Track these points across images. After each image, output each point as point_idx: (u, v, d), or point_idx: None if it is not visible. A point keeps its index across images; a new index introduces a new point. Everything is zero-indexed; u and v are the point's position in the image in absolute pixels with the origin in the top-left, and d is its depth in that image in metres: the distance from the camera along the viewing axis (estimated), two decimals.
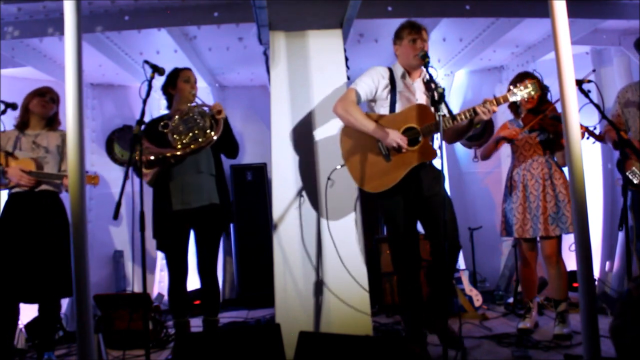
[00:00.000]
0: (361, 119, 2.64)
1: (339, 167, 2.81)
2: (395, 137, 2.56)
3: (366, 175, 2.65)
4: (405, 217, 2.69)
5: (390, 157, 2.62)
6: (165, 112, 3.20)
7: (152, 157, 2.67)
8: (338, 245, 2.84)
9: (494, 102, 2.51)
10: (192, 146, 2.81)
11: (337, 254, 2.83)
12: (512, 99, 2.54)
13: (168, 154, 2.78)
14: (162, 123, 2.86)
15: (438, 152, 2.65)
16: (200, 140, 2.82)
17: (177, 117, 2.88)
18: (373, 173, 2.64)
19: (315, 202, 2.91)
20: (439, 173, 2.76)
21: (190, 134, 2.83)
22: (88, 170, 3.44)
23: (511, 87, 2.57)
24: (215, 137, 2.83)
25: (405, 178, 2.60)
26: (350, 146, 2.71)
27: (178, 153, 2.80)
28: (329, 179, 2.87)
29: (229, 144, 3.08)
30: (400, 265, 2.74)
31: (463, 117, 2.54)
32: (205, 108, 2.89)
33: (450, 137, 2.85)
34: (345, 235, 2.88)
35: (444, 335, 2.60)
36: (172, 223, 2.95)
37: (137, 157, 2.73)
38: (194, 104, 2.93)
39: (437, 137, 2.66)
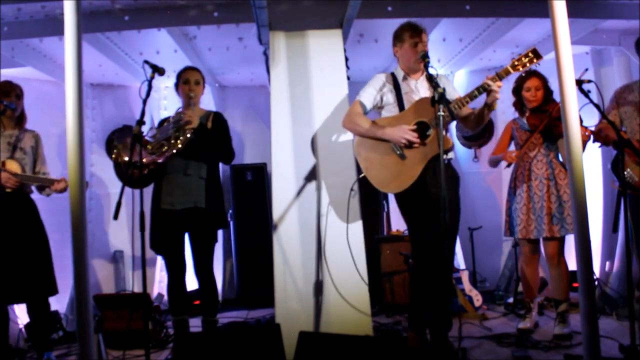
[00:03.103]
0: (368, 127, 2.67)
1: (359, 177, 2.83)
2: (403, 134, 2.55)
3: (386, 179, 2.67)
4: (426, 214, 2.66)
5: (405, 155, 2.62)
6: (166, 112, 3.22)
7: (112, 154, 2.69)
8: (340, 246, 2.84)
9: (497, 78, 2.47)
10: (161, 154, 2.84)
11: (351, 254, 2.84)
12: (513, 70, 2.49)
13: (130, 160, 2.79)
14: (149, 129, 2.90)
15: (451, 140, 2.64)
16: (164, 150, 2.86)
17: (164, 124, 2.93)
18: (391, 174, 2.65)
19: (315, 203, 2.91)
20: (455, 174, 2.77)
21: (158, 144, 2.89)
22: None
23: (513, 59, 2.52)
24: (178, 149, 2.85)
25: (422, 174, 2.59)
26: (366, 154, 2.73)
27: (125, 158, 2.80)
28: (352, 189, 2.88)
29: (222, 149, 3.10)
30: (421, 263, 2.72)
31: (469, 99, 2.52)
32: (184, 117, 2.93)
33: (473, 124, 2.77)
34: (347, 236, 2.88)
35: (442, 348, 2.60)
36: (161, 222, 2.99)
37: (113, 157, 2.76)
38: (179, 111, 2.98)
39: (452, 126, 2.64)
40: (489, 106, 2.57)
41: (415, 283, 2.79)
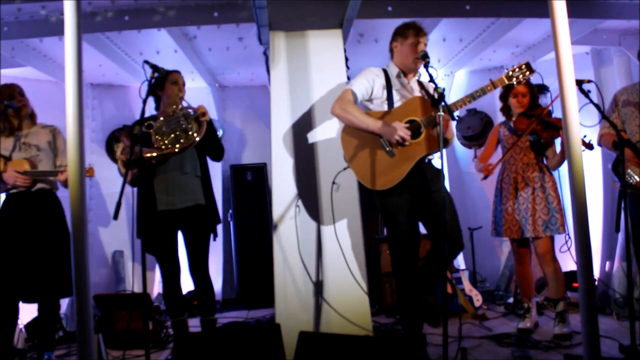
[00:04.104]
0: (360, 117, 2.62)
1: (342, 169, 2.80)
2: (398, 130, 2.52)
3: (372, 174, 2.61)
4: (408, 216, 2.67)
5: (394, 152, 2.59)
6: (154, 113, 3.20)
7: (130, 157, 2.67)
8: (340, 246, 2.84)
9: (477, 94, 2.54)
10: (176, 147, 2.83)
11: (343, 254, 2.83)
12: (508, 81, 2.56)
13: (148, 155, 2.79)
14: (146, 124, 2.86)
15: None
16: (182, 141, 2.85)
17: (161, 118, 2.91)
18: (379, 170, 2.60)
19: (315, 203, 2.91)
20: (439, 171, 2.76)
21: (173, 136, 2.86)
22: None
23: (507, 70, 2.59)
24: (197, 139, 2.85)
25: (408, 174, 2.58)
26: (353, 146, 2.66)
27: (154, 154, 2.81)
28: (334, 183, 2.85)
29: (213, 146, 3.10)
30: (400, 266, 2.72)
31: (462, 104, 2.55)
32: (190, 110, 2.92)
33: None
34: (346, 235, 2.88)
35: (421, 309, 2.62)
36: (158, 224, 2.96)
37: (116, 157, 2.75)
38: (180, 106, 2.95)
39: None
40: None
41: (400, 284, 2.76)
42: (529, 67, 2.55)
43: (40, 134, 3.12)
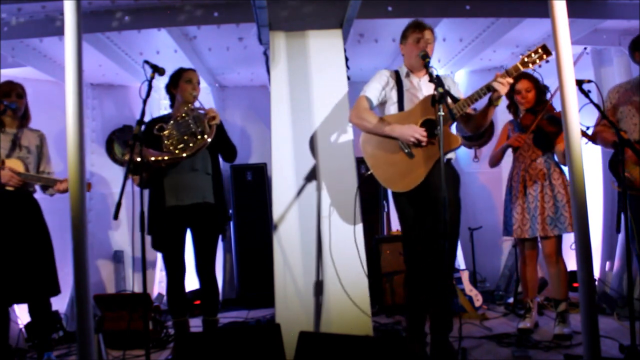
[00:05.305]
0: (375, 123, 2.66)
1: (366, 174, 2.81)
2: (412, 132, 2.54)
3: (393, 177, 2.65)
4: (423, 214, 2.67)
5: (413, 153, 2.60)
6: (167, 112, 3.21)
7: (138, 159, 2.68)
8: (340, 245, 2.84)
9: (506, 75, 2.45)
10: (186, 151, 2.85)
11: (358, 255, 2.84)
12: (523, 67, 2.47)
13: (158, 158, 2.80)
14: (157, 126, 2.88)
15: (460, 139, 2.63)
16: (191, 146, 2.87)
17: (172, 122, 2.93)
18: (399, 173, 2.63)
19: (315, 203, 2.91)
20: (457, 174, 2.76)
21: (182, 140, 2.88)
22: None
23: (522, 56, 2.49)
24: (208, 140, 2.87)
25: (428, 174, 2.57)
26: (373, 151, 2.71)
27: (166, 158, 2.83)
28: (358, 187, 2.85)
29: (225, 148, 3.12)
30: (412, 262, 2.72)
31: (477, 97, 2.51)
32: (201, 111, 2.93)
33: (475, 125, 2.77)
34: (346, 235, 2.88)
35: (443, 350, 2.59)
36: (166, 220, 2.97)
37: (125, 159, 2.77)
38: (195, 105, 2.97)
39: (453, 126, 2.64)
40: (493, 102, 2.55)
41: (409, 286, 2.77)
42: (545, 49, 2.42)
43: (30, 137, 3.13)
